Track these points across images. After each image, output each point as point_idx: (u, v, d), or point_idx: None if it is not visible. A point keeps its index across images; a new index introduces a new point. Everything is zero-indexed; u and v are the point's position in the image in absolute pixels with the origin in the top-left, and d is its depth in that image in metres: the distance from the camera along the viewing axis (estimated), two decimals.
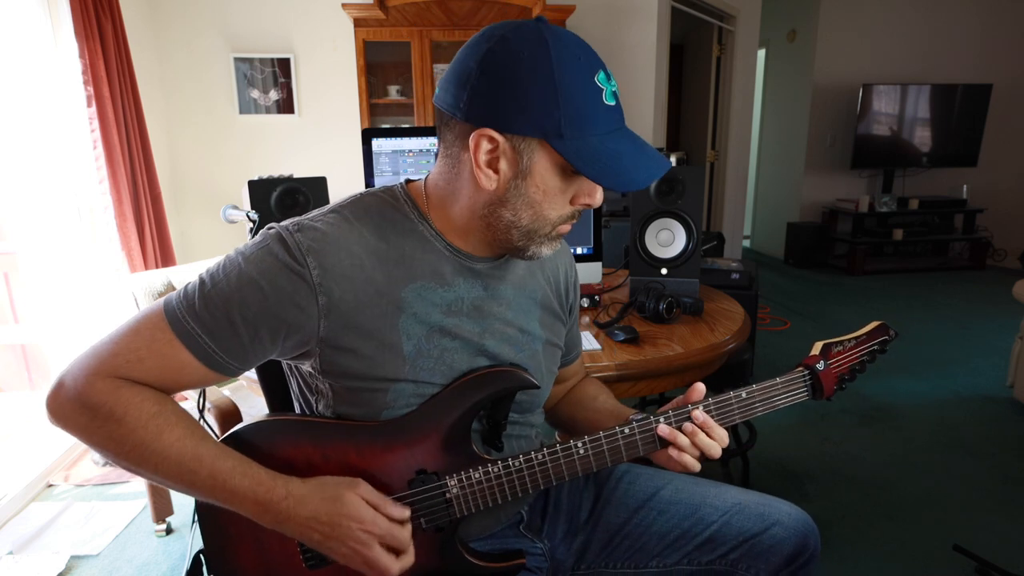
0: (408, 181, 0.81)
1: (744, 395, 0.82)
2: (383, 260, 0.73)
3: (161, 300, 0.70)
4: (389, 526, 0.72)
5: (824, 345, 0.87)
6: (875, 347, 0.89)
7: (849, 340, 0.88)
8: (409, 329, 0.74)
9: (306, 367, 0.76)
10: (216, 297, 0.68)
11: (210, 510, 0.77)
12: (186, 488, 0.70)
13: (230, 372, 0.71)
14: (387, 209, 0.76)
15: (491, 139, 0.68)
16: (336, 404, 0.76)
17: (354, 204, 0.76)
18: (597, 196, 0.74)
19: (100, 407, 0.66)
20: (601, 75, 0.68)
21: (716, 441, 0.80)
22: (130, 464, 0.69)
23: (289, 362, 0.79)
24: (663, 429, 0.80)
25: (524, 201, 0.71)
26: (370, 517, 0.71)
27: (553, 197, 0.71)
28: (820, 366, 0.86)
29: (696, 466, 0.80)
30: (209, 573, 0.81)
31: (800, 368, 0.86)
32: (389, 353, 0.73)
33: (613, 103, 0.69)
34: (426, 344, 0.75)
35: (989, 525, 1.87)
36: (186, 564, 1.73)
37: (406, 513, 0.74)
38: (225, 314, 0.68)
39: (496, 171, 0.70)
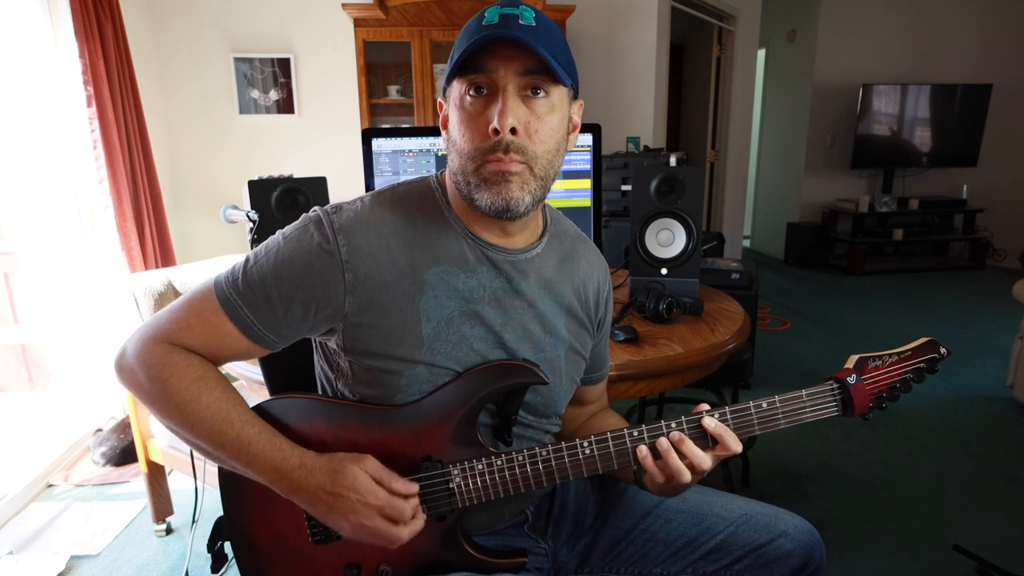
0: (443, 172, 0.84)
1: (765, 406, 0.79)
2: (409, 243, 0.77)
3: (213, 276, 0.78)
4: (388, 497, 0.73)
5: (859, 359, 0.81)
6: (921, 364, 0.82)
7: (890, 355, 0.81)
8: (430, 311, 0.76)
9: (331, 344, 0.79)
10: (256, 273, 0.74)
11: (231, 479, 0.81)
12: (215, 448, 0.74)
13: (268, 344, 0.77)
14: (419, 197, 0.81)
15: (440, 104, 0.79)
16: (354, 384, 0.78)
17: (391, 190, 0.81)
18: (495, 117, 0.70)
19: (152, 367, 0.74)
20: (491, 8, 0.72)
21: (692, 460, 0.76)
22: (172, 422, 0.75)
23: (318, 338, 0.83)
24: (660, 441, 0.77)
25: (451, 143, 0.77)
26: (369, 489, 0.72)
27: (463, 128, 0.74)
28: (851, 380, 0.80)
29: (684, 474, 0.76)
30: (226, 540, 0.84)
31: (830, 381, 0.81)
32: (408, 333, 0.75)
33: (495, 20, 0.70)
34: (445, 328, 0.77)
35: (989, 525, 1.87)
36: (186, 563, 1.73)
37: (413, 488, 0.75)
38: (263, 289, 0.74)
39: (448, 129, 0.78)
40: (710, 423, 0.77)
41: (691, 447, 0.76)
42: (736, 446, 0.77)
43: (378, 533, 0.73)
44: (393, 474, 0.75)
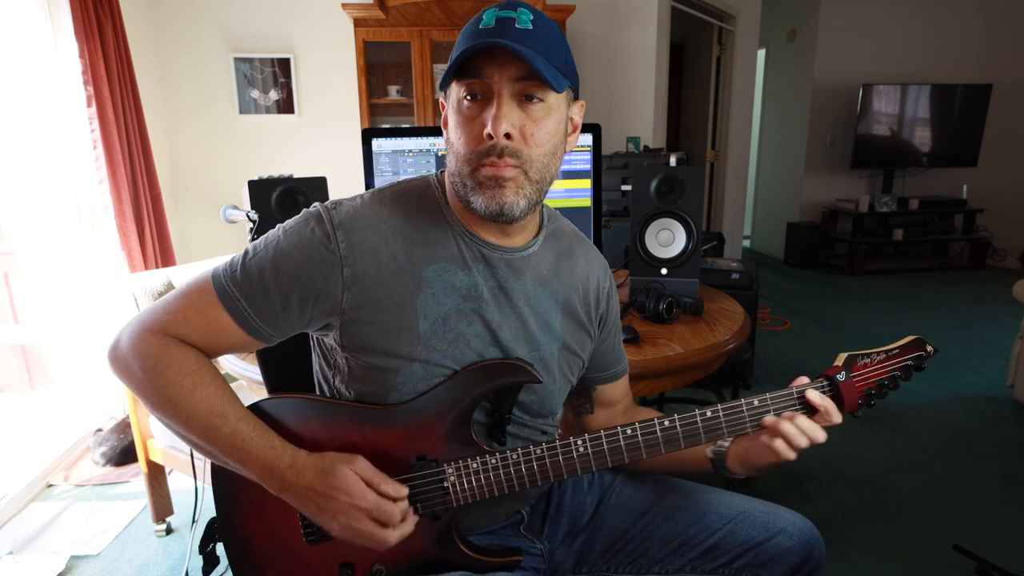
0: (443, 171, 0.85)
1: (756, 403, 0.80)
2: (408, 240, 0.77)
3: (210, 268, 0.77)
4: (377, 499, 0.73)
5: (848, 356, 0.82)
6: (909, 362, 0.83)
7: (878, 353, 0.82)
8: (427, 308, 0.77)
9: (329, 340, 0.79)
10: (255, 266, 0.75)
11: (223, 477, 0.81)
12: (208, 444, 0.74)
13: (264, 338, 0.77)
14: (418, 194, 0.81)
15: (441, 103, 0.79)
16: (350, 380, 0.79)
17: (392, 188, 0.82)
18: (489, 122, 0.70)
19: (147, 359, 0.73)
20: (489, 9, 0.72)
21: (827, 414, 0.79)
22: (165, 415, 0.75)
23: (315, 334, 0.83)
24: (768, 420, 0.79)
25: (448, 145, 0.78)
26: (358, 491, 0.72)
27: (460, 131, 0.74)
28: (841, 377, 0.81)
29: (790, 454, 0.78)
30: (219, 540, 0.84)
31: (820, 379, 0.82)
32: (405, 329, 0.76)
33: (491, 24, 0.71)
34: (442, 326, 0.77)
35: (989, 525, 1.87)
36: (186, 563, 1.73)
37: (403, 491, 0.75)
38: (260, 281, 0.74)
39: (447, 130, 0.78)
40: (814, 396, 0.79)
41: (803, 421, 0.78)
42: (838, 417, 0.80)
43: (366, 536, 0.73)
44: (384, 476, 0.75)
